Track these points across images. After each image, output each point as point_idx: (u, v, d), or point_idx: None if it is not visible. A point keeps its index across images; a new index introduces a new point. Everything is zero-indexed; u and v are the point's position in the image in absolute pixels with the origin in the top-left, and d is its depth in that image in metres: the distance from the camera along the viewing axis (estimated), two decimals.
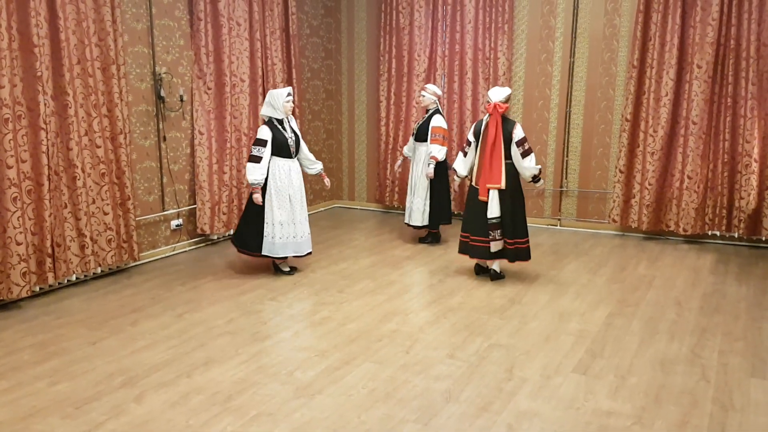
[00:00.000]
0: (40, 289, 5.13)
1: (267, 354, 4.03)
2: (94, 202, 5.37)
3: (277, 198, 5.42)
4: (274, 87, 7.22)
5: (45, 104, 4.86)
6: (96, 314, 4.74)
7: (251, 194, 5.39)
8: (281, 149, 5.42)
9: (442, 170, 6.59)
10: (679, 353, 4.04)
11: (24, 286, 4.78)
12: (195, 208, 6.59)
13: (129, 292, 5.25)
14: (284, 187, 5.44)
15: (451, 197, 6.96)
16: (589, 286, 5.41)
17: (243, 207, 6.98)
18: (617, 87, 7.18)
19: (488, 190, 5.24)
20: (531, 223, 7.70)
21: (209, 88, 6.49)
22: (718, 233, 6.79)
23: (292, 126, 5.55)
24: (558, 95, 7.48)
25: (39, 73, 4.80)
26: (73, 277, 5.33)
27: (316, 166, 5.79)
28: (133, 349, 4.11)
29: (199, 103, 6.44)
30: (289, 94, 5.43)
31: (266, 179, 5.38)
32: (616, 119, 7.23)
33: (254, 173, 5.30)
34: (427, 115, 6.64)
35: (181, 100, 6.30)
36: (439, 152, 6.44)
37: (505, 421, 3.23)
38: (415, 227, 6.79)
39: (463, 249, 5.55)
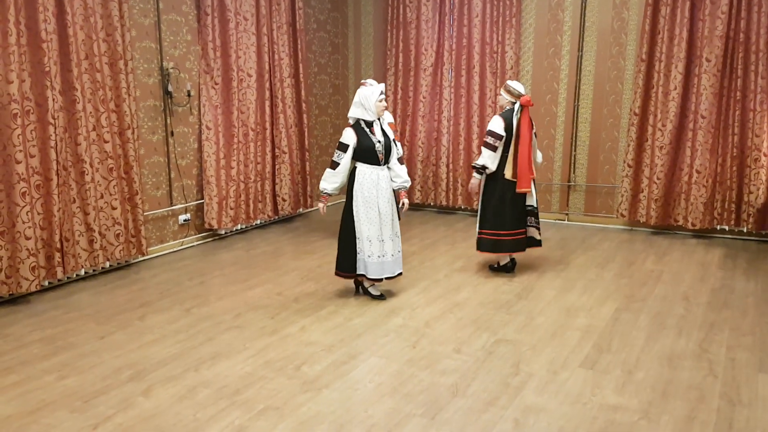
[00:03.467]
0: (49, 283, 5.16)
1: (274, 348, 4.05)
2: (102, 197, 5.39)
3: (365, 210, 4.75)
4: (281, 82, 7.23)
5: (53, 99, 4.88)
6: (104, 309, 4.76)
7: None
8: (367, 155, 4.73)
9: None
10: (686, 348, 4.03)
11: (33, 281, 4.81)
12: (203, 203, 6.60)
13: (137, 287, 5.27)
14: (372, 198, 4.75)
15: None
16: (596, 281, 5.40)
17: (250, 201, 7.01)
18: (626, 81, 7.14)
19: (530, 180, 5.33)
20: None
21: (216, 83, 6.50)
22: (726, 228, 6.75)
23: (383, 129, 4.85)
24: (566, 89, 7.45)
25: (47, 69, 4.82)
26: (82, 272, 5.37)
27: (398, 180, 4.91)
28: (141, 343, 4.13)
29: (206, 98, 6.45)
30: (381, 93, 4.77)
31: (353, 188, 4.76)
32: (624, 113, 7.19)
33: (327, 180, 4.77)
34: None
35: (189, 95, 6.31)
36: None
37: (512, 415, 3.23)
38: None
39: (493, 247, 5.38)
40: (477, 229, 5.54)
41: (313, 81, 8.26)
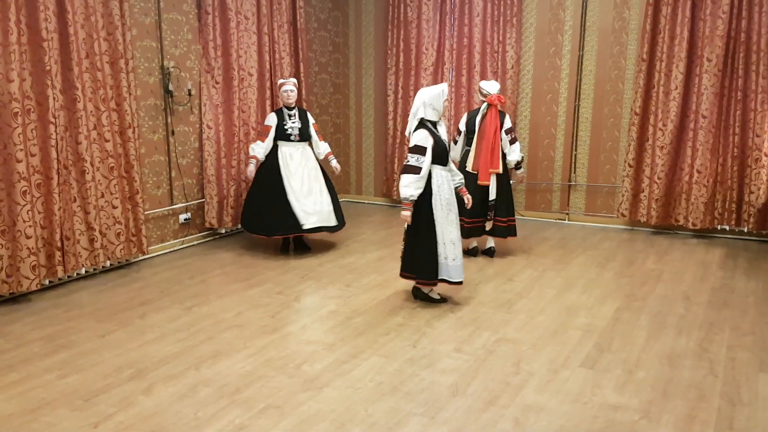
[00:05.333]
0: (50, 282, 5.16)
1: (275, 347, 4.05)
2: (102, 195, 5.39)
3: (445, 214, 4.60)
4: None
5: (54, 98, 4.88)
6: (105, 307, 4.77)
7: (401, 212, 4.57)
8: (441, 156, 4.56)
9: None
10: (687, 348, 4.03)
11: (33, 280, 4.81)
12: (203, 202, 6.60)
13: (138, 286, 5.27)
14: (451, 200, 4.64)
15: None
16: (597, 281, 5.40)
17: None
18: (626, 80, 7.14)
19: (490, 174, 5.76)
20: (539, 217, 7.73)
21: (217, 82, 6.50)
22: (727, 228, 6.75)
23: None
24: (567, 89, 7.44)
25: (48, 67, 4.82)
26: (83, 271, 5.37)
27: (456, 178, 4.83)
28: (142, 341, 4.14)
29: (207, 97, 6.45)
30: (443, 91, 4.63)
31: (431, 192, 4.57)
32: (625, 113, 7.19)
33: (411, 186, 4.46)
34: (297, 112, 6.14)
35: (189, 94, 6.31)
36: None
37: (512, 414, 3.23)
38: (331, 229, 6.15)
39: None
40: None
41: (314, 80, 8.26)
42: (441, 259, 4.63)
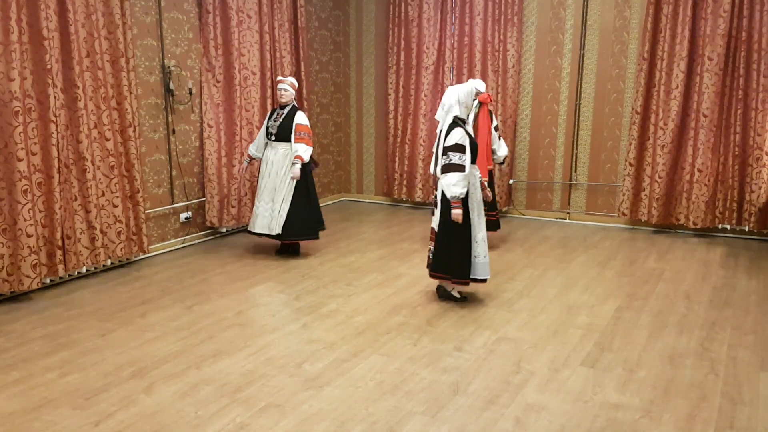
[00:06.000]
0: (51, 281, 5.16)
1: (275, 346, 4.05)
2: (103, 194, 5.39)
3: (478, 212, 4.65)
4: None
5: (55, 97, 4.88)
6: (106, 306, 4.77)
7: (452, 211, 4.49)
8: (474, 155, 4.58)
9: (305, 173, 5.86)
10: (688, 347, 4.03)
11: (35, 278, 4.81)
12: (204, 201, 6.60)
13: (138, 284, 5.28)
14: (480, 196, 4.72)
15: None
16: (598, 280, 5.40)
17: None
18: (627, 79, 7.13)
19: (488, 170, 5.89)
20: (540, 216, 7.73)
21: (218, 81, 6.49)
22: (728, 227, 6.75)
23: None
24: (567, 88, 7.44)
25: (49, 66, 4.82)
26: (83, 269, 5.37)
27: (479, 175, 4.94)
28: (143, 340, 4.14)
29: (207, 96, 6.45)
30: (475, 89, 4.71)
31: (467, 191, 4.56)
32: (626, 112, 7.19)
33: (459, 184, 4.44)
34: (286, 112, 5.87)
35: (190, 93, 6.31)
36: (305, 152, 5.77)
37: (513, 413, 3.23)
38: (277, 237, 5.92)
39: None
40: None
41: (315, 79, 8.25)
42: (472, 257, 4.64)
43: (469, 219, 4.58)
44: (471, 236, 4.61)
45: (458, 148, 4.45)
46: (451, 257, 4.63)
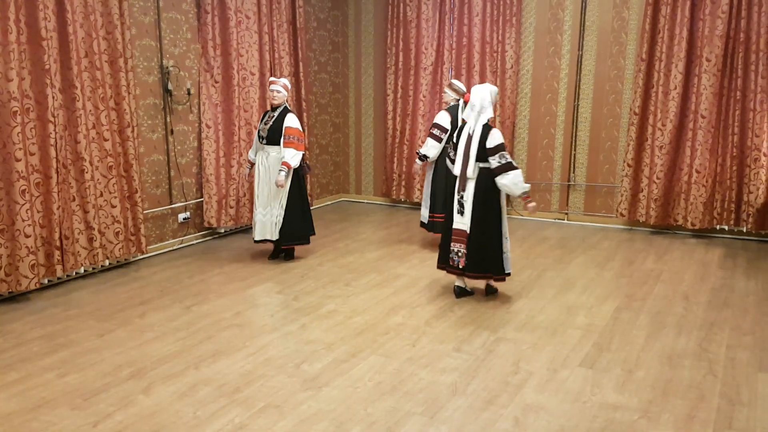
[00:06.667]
0: (49, 281, 5.16)
1: (274, 346, 4.05)
2: (101, 195, 5.39)
3: (506, 209, 4.92)
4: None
5: (53, 97, 4.88)
6: (104, 306, 4.76)
7: (528, 206, 4.79)
8: None
9: (298, 177, 5.79)
10: (686, 347, 4.03)
11: (33, 279, 4.80)
12: (202, 201, 6.60)
13: (137, 285, 5.27)
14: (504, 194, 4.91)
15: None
16: (596, 281, 5.40)
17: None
18: (626, 80, 7.14)
19: None
20: (539, 216, 7.73)
21: (216, 82, 6.49)
22: (726, 228, 6.75)
23: None
24: (566, 88, 7.45)
25: (47, 66, 4.81)
26: (81, 270, 5.36)
27: None
28: (141, 341, 4.13)
29: (206, 97, 6.45)
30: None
31: (500, 189, 4.76)
32: (624, 113, 7.20)
33: (523, 180, 4.68)
34: (277, 114, 5.71)
35: (189, 94, 6.31)
36: (293, 158, 5.60)
37: (512, 414, 3.23)
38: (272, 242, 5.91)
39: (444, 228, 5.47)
40: (427, 214, 6.22)
41: (313, 79, 8.25)
42: (504, 252, 4.82)
43: (501, 216, 4.77)
44: (503, 232, 4.80)
45: (502, 146, 4.62)
46: (488, 255, 4.76)
